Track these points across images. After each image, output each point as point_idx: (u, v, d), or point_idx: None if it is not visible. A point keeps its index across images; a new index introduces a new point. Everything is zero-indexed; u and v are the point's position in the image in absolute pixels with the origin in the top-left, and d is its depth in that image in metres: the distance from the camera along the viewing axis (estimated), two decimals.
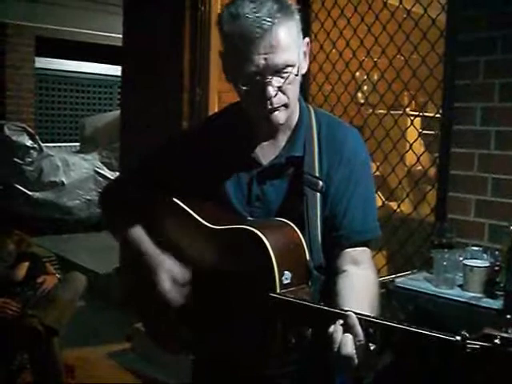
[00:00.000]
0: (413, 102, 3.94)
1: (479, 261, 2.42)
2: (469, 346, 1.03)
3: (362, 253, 1.52)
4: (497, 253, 2.44)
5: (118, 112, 6.45)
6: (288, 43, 1.40)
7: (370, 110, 3.79)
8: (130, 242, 1.64)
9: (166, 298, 1.54)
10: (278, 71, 1.41)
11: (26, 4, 7.84)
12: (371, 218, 1.56)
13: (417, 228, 3.28)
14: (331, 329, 1.21)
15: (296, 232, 1.44)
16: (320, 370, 1.54)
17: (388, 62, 3.51)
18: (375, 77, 3.80)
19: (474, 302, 2.28)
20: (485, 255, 2.50)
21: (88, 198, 7.12)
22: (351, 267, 1.48)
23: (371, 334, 1.18)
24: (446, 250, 2.49)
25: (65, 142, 8.86)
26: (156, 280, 1.55)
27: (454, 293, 2.38)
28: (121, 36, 5.13)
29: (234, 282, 1.43)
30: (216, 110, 4.32)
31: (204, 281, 1.51)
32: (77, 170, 7.24)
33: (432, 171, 3.38)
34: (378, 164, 3.65)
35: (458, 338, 1.05)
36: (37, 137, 7.04)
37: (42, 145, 7.09)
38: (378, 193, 3.73)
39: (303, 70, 1.50)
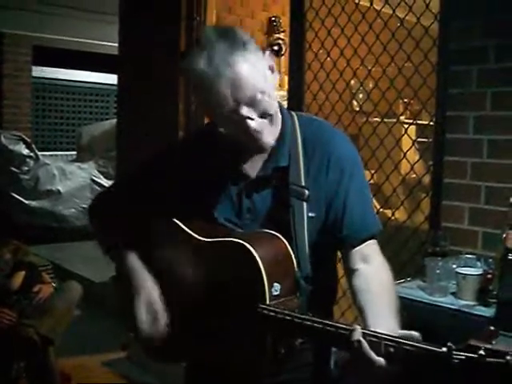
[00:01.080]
0: (407, 110, 3.96)
1: (472, 269, 2.42)
2: (454, 357, 1.04)
3: (368, 248, 1.53)
4: (490, 261, 2.44)
5: (114, 121, 6.46)
6: (250, 75, 1.42)
7: (365, 119, 3.81)
8: (116, 256, 1.66)
9: (140, 327, 1.55)
10: (249, 103, 1.43)
11: (23, 13, 7.87)
12: (370, 213, 1.58)
13: (411, 236, 3.28)
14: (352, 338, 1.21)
15: (284, 243, 1.45)
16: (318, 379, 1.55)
17: (382, 70, 3.53)
18: (370, 85, 3.82)
19: (466, 310, 2.28)
20: (478, 263, 2.50)
21: (84, 206, 7.10)
22: (362, 265, 1.51)
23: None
24: (439, 258, 2.50)
25: (61, 150, 8.86)
26: (135, 307, 1.56)
27: (447, 301, 2.38)
28: (117, 45, 5.15)
29: (223, 294, 1.44)
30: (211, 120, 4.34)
31: (194, 293, 1.51)
32: (73, 179, 7.25)
33: (426, 179, 3.39)
34: (372, 172, 3.65)
35: (444, 349, 1.06)
36: (33, 145, 7.05)
37: (39, 153, 7.10)
38: (373, 201, 3.74)
39: (276, 83, 1.53)
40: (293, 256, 1.45)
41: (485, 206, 2.84)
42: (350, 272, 1.51)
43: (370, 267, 1.50)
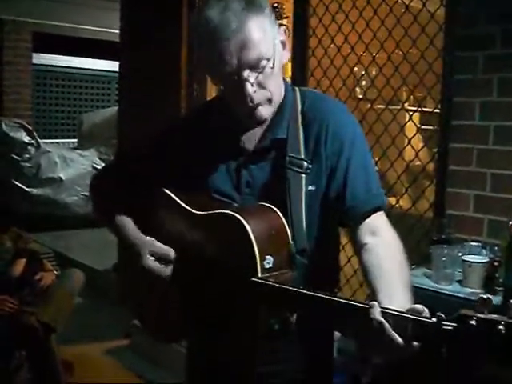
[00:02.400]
0: (411, 96, 3.92)
1: (478, 256, 2.41)
2: (444, 326, 1.02)
3: (376, 220, 1.48)
4: (496, 248, 2.43)
5: (115, 108, 6.43)
6: (259, 38, 1.40)
7: (369, 105, 3.78)
8: (114, 226, 1.65)
9: (153, 275, 1.55)
10: (252, 67, 1.41)
11: (23, 0, 7.81)
12: (374, 186, 1.52)
13: (415, 224, 3.26)
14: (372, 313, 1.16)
15: (278, 216, 1.43)
16: (315, 369, 1.53)
17: (386, 56, 3.50)
18: (374, 72, 3.78)
19: (472, 298, 2.27)
20: (484, 251, 2.50)
21: (86, 194, 7.06)
22: (370, 238, 1.44)
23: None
24: (444, 246, 2.48)
25: (63, 138, 8.84)
26: (141, 259, 1.55)
27: (453, 288, 2.37)
28: (118, 32, 5.11)
29: (217, 267, 1.43)
30: None
31: (188, 265, 1.51)
32: (75, 166, 7.23)
33: (431, 166, 3.37)
34: (376, 159, 3.63)
35: (434, 319, 1.04)
36: (34, 133, 7.03)
37: (40, 141, 7.08)
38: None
39: (284, 59, 1.51)
40: (287, 229, 1.42)
41: (490, 193, 2.82)
42: (360, 247, 1.45)
43: (380, 240, 1.43)
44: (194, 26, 1.46)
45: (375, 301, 1.20)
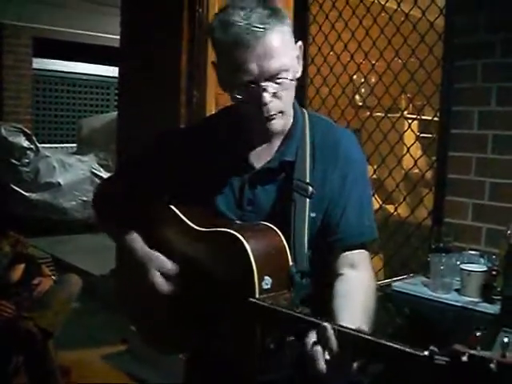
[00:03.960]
0: (410, 105, 3.94)
1: (476, 265, 2.41)
2: (436, 361, 1.02)
3: (358, 255, 1.51)
4: (494, 257, 2.43)
5: (114, 113, 6.44)
6: (281, 48, 1.39)
7: (368, 113, 3.79)
8: (120, 240, 1.64)
9: (159, 291, 1.54)
10: (272, 77, 1.40)
11: (23, 5, 7.83)
12: (367, 221, 1.55)
13: (414, 231, 3.27)
14: (305, 341, 1.19)
15: (279, 236, 1.42)
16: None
17: (386, 65, 3.51)
18: (373, 80, 3.80)
19: (470, 307, 2.27)
20: (482, 259, 2.50)
21: (84, 199, 7.09)
22: (348, 270, 1.48)
23: (354, 347, 1.15)
24: (443, 254, 2.48)
25: (61, 143, 8.84)
26: (148, 275, 1.54)
27: (451, 297, 2.37)
28: (118, 37, 5.12)
29: (215, 285, 1.43)
30: (213, 112, 4.32)
31: (189, 281, 1.51)
32: (73, 171, 7.23)
33: (429, 174, 3.38)
34: (375, 167, 3.64)
35: (426, 352, 1.04)
36: (33, 138, 7.02)
37: (39, 146, 7.08)
38: (375, 196, 3.73)
39: (298, 74, 1.49)
40: (288, 250, 1.42)
41: (489, 202, 2.83)
42: (335, 275, 1.49)
43: (356, 273, 1.47)
44: (215, 30, 1.41)
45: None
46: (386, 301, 2.55)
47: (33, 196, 6.90)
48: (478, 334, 1.07)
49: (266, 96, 1.40)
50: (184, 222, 1.54)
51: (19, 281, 3.57)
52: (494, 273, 2.33)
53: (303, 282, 1.46)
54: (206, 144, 1.60)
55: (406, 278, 2.63)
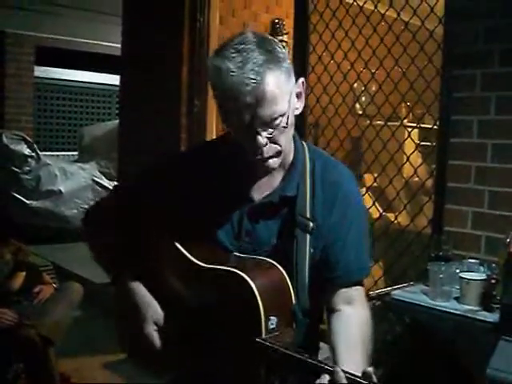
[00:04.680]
0: (410, 113, 3.95)
1: (476, 273, 2.41)
2: None
3: (355, 291, 1.53)
4: (493, 265, 2.43)
5: (116, 121, 6.45)
6: (275, 94, 1.37)
7: (368, 122, 3.80)
8: (118, 278, 1.62)
9: (151, 344, 1.54)
10: (266, 123, 1.39)
11: (26, 13, 7.86)
12: (364, 259, 1.57)
13: (414, 240, 3.28)
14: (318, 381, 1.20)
15: (283, 275, 1.43)
16: None
17: (386, 73, 3.53)
18: (373, 88, 3.82)
19: (470, 315, 2.27)
20: (481, 268, 2.50)
21: (86, 207, 7.09)
22: (345, 307, 1.50)
23: None
24: (442, 263, 2.49)
25: (63, 150, 8.85)
26: (144, 325, 1.54)
27: (450, 305, 2.37)
28: (119, 46, 5.14)
29: (220, 323, 1.42)
30: (214, 122, 4.34)
31: (191, 319, 1.50)
32: (75, 179, 7.23)
33: (429, 183, 3.39)
34: (375, 175, 3.65)
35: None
36: (35, 146, 7.03)
37: (40, 153, 7.08)
38: (376, 204, 3.74)
39: (298, 111, 1.49)
40: (291, 288, 1.43)
41: (488, 210, 2.84)
42: (331, 311, 1.50)
43: (353, 310, 1.49)
44: (210, 73, 1.40)
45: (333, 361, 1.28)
46: (386, 309, 2.55)
47: (34, 204, 6.90)
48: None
49: (260, 140, 1.40)
50: (185, 256, 1.51)
51: (20, 289, 3.58)
52: (493, 281, 2.33)
53: (305, 320, 1.48)
54: (206, 173, 1.57)
55: (405, 287, 2.63)
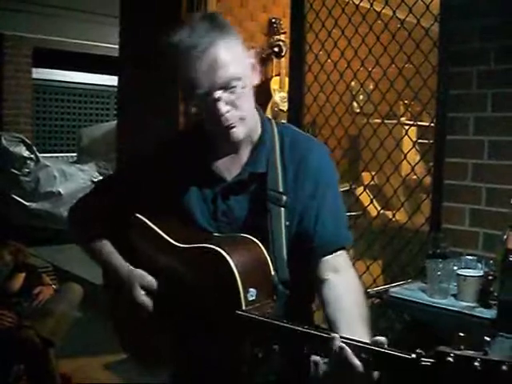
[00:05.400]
0: (407, 111, 3.96)
1: (473, 270, 2.42)
2: (423, 362, 1.05)
3: (339, 257, 1.53)
4: (491, 262, 2.44)
5: (114, 122, 6.46)
6: (229, 58, 1.43)
7: (365, 120, 3.81)
8: (100, 257, 1.69)
9: (144, 310, 1.58)
10: (223, 87, 1.43)
11: (24, 15, 7.86)
12: (342, 226, 1.58)
13: (412, 237, 3.29)
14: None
15: (260, 248, 1.45)
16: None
17: (382, 71, 3.53)
18: (370, 87, 3.82)
19: (467, 312, 2.28)
20: (479, 264, 2.51)
21: None
22: (332, 275, 1.50)
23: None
24: (439, 260, 2.49)
25: (62, 152, 8.85)
26: (133, 293, 1.58)
27: (448, 302, 2.38)
28: (117, 46, 5.15)
29: (200, 300, 1.45)
30: None
31: (171, 298, 1.53)
32: (74, 181, 7.23)
33: (427, 180, 3.39)
34: (373, 174, 3.66)
35: (414, 355, 1.07)
36: (34, 147, 7.04)
37: (39, 155, 7.09)
38: (374, 202, 3.75)
39: (255, 82, 1.53)
40: (269, 261, 1.45)
41: (485, 207, 2.85)
42: (320, 282, 1.51)
43: (341, 278, 1.49)
44: (166, 50, 1.48)
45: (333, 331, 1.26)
46: (384, 307, 2.56)
47: (33, 205, 6.90)
48: (461, 334, 1.09)
49: (221, 106, 1.44)
50: (163, 238, 1.56)
51: (20, 290, 3.59)
52: (490, 277, 2.34)
53: (285, 291, 1.49)
54: (178, 159, 1.62)
55: (403, 284, 2.64)
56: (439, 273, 2.44)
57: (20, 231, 5.03)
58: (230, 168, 1.58)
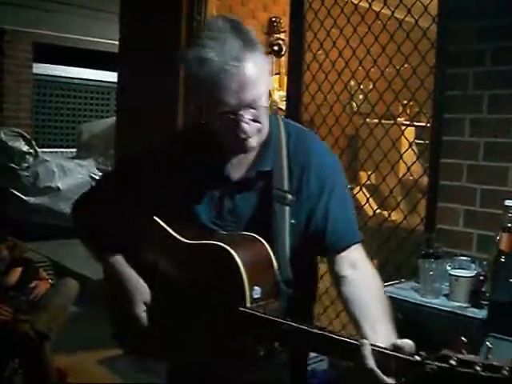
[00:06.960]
0: (404, 112, 3.97)
1: (465, 271, 2.43)
2: (427, 365, 1.06)
3: (355, 253, 1.52)
4: (485, 263, 2.45)
5: (114, 118, 6.46)
6: (256, 78, 1.41)
7: (362, 120, 3.82)
8: (106, 261, 1.68)
9: (139, 324, 1.60)
10: (249, 106, 1.42)
11: (24, 10, 7.86)
12: (353, 222, 1.58)
13: (407, 237, 3.30)
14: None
15: (265, 247, 1.46)
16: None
17: (380, 72, 3.54)
18: (368, 87, 3.83)
19: (459, 312, 2.30)
20: (473, 265, 2.51)
21: None
22: (349, 271, 1.49)
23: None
24: (432, 260, 2.50)
25: (61, 147, 8.86)
26: (133, 306, 1.60)
27: (440, 302, 2.39)
28: (117, 42, 5.15)
29: (205, 296, 1.46)
30: None
31: (177, 294, 1.54)
32: (73, 176, 7.23)
33: (423, 181, 3.40)
34: (369, 173, 3.67)
35: (418, 358, 1.08)
36: (33, 142, 7.05)
37: (38, 150, 7.10)
38: (370, 201, 3.75)
39: (270, 86, 1.56)
40: (274, 259, 1.46)
41: (480, 208, 2.86)
42: (338, 279, 1.50)
43: (360, 273, 1.48)
44: (189, 64, 1.42)
45: (357, 331, 1.29)
46: None
47: (32, 200, 6.91)
48: (463, 339, 1.11)
49: (245, 124, 1.44)
50: (170, 234, 1.56)
51: (16, 284, 3.59)
52: (481, 278, 2.35)
53: (287, 290, 1.50)
54: (185, 157, 1.61)
55: (396, 283, 2.65)
56: (431, 273, 2.45)
57: (18, 226, 5.04)
58: (237, 167, 1.58)
